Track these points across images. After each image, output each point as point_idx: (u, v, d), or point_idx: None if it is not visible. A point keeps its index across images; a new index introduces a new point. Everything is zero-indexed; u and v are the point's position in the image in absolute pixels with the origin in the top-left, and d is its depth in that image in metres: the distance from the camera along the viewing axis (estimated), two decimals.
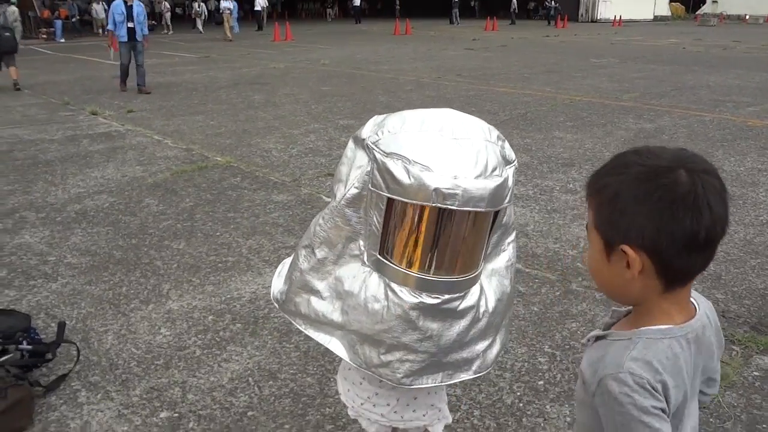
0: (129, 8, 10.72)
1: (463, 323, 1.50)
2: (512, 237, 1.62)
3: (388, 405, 1.75)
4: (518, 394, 2.74)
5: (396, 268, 1.46)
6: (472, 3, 46.97)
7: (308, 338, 3.08)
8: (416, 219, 1.42)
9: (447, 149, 1.36)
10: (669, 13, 45.62)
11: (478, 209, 1.34)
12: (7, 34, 11.25)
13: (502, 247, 1.60)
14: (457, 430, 2.50)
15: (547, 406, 2.64)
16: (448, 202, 1.32)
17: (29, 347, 2.82)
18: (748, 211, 4.93)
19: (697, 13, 44.38)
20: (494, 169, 1.36)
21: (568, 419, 2.56)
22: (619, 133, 7.57)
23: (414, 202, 1.36)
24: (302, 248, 1.63)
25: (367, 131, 1.47)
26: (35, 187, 5.68)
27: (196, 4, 30.96)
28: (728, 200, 1.03)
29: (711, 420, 2.56)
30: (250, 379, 2.83)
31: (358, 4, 37.64)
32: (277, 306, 1.74)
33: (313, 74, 13.46)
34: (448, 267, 1.46)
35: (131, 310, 3.45)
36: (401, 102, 9.56)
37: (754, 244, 4.30)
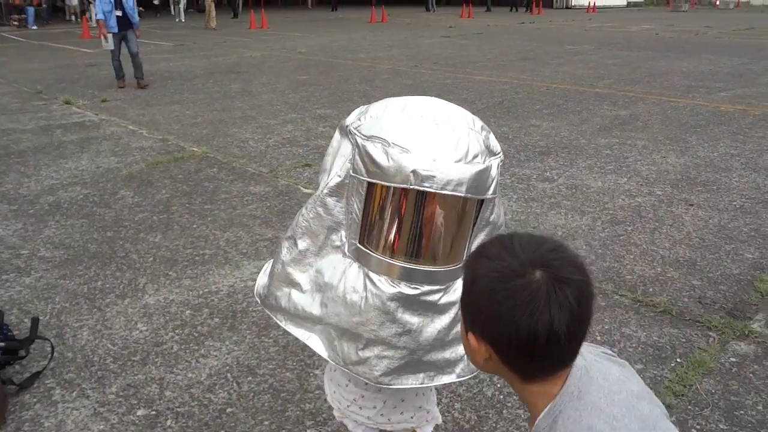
0: None
1: (445, 320, 1.47)
2: None
3: (375, 407, 1.73)
4: (498, 386, 2.74)
5: (374, 256, 1.43)
6: None
7: (287, 333, 3.06)
8: (395, 203, 1.40)
9: (427, 133, 1.35)
10: None
11: (457, 193, 1.32)
12: None
13: None
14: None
15: None
16: (426, 184, 1.31)
17: (1, 344, 2.76)
18: (722, 196, 4.99)
19: None
20: (475, 156, 1.34)
21: None
22: (595, 120, 7.61)
23: (392, 184, 1.35)
24: (285, 240, 1.61)
25: (350, 118, 1.47)
26: (7, 179, 5.56)
27: None
28: (584, 312, 0.97)
29: (689, 407, 2.59)
30: (228, 375, 2.80)
31: None
32: (259, 302, 1.72)
33: (290, 63, 13.34)
34: (428, 256, 1.42)
35: (107, 305, 3.40)
36: (378, 90, 9.51)
37: (728, 230, 4.35)
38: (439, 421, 1.91)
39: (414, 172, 1.31)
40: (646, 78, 10.85)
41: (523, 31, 21.91)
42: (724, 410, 2.58)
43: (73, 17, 27.13)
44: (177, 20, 27.48)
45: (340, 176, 1.46)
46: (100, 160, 6.11)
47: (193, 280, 3.66)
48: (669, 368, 2.85)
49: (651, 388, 2.66)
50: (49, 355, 2.87)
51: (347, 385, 1.72)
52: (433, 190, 1.31)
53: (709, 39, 18.53)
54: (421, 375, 1.51)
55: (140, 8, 10.73)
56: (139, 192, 5.19)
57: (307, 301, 1.56)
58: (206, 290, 3.55)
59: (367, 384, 1.64)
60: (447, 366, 1.52)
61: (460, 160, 1.32)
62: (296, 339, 2.94)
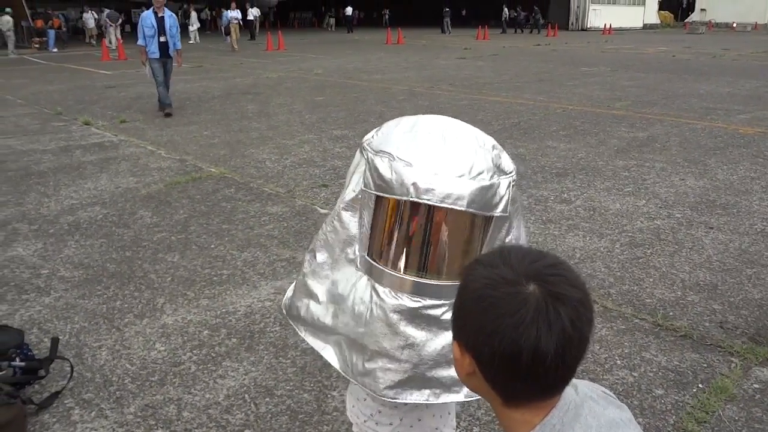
0: (160, 20, 9.25)
1: (449, 335, 1.45)
2: None
3: (391, 425, 1.72)
4: None
5: (380, 268, 1.45)
6: (463, 12, 47.14)
7: (305, 353, 3.06)
8: (397, 216, 1.43)
9: (432, 148, 1.38)
10: (658, 21, 45.93)
11: (456, 207, 1.33)
12: None
13: None
14: None
15: None
16: (425, 197, 1.33)
17: (22, 364, 2.78)
18: (743, 219, 4.94)
19: (686, 21, 44.70)
20: (480, 173, 1.36)
21: None
22: (613, 142, 7.59)
23: (394, 197, 1.38)
24: (307, 252, 1.67)
25: (367, 135, 1.51)
26: (28, 199, 5.63)
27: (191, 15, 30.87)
28: (578, 334, 0.89)
29: None
30: (246, 395, 2.80)
31: (350, 14, 37.73)
32: (285, 312, 1.74)
33: (306, 84, 13.46)
34: (433, 270, 1.43)
35: (125, 325, 3.42)
36: (394, 111, 9.55)
37: (749, 254, 4.30)
38: None
39: (414, 184, 1.34)
40: (663, 100, 10.82)
41: (538, 53, 21.98)
42: None
43: (92, 40, 27.60)
44: (191, 41, 27.88)
45: (354, 191, 1.50)
46: (119, 180, 6.18)
47: (211, 300, 3.68)
48: (690, 394, 2.80)
49: (672, 414, 2.62)
50: (69, 375, 2.88)
51: (365, 400, 1.72)
52: (431, 203, 1.34)
53: (727, 61, 18.47)
54: (427, 391, 1.50)
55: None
56: (158, 212, 5.23)
57: (322, 312, 1.59)
58: (224, 310, 3.56)
59: (384, 401, 1.64)
60: (454, 385, 1.49)
61: (462, 176, 1.34)
62: (313, 360, 2.96)
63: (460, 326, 0.97)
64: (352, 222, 1.53)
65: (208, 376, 2.94)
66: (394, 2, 50.28)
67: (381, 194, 1.41)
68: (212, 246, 4.49)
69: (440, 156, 1.37)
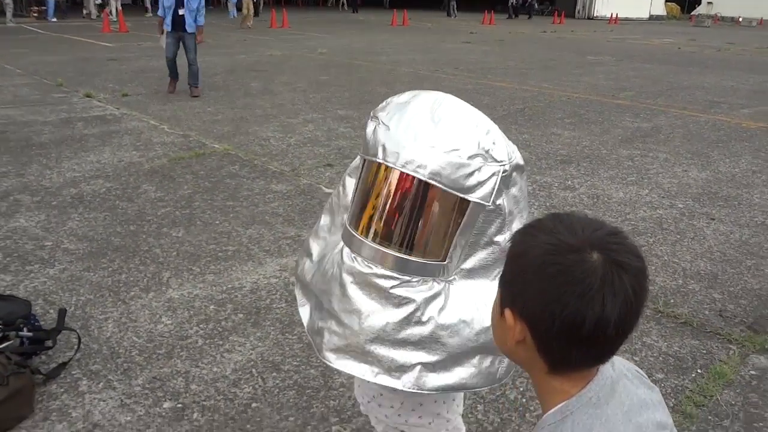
0: None
1: (397, 315, 1.41)
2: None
3: (392, 407, 1.73)
4: (521, 389, 2.75)
5: (349, 229, 1.46)
6: None
7: None
8: (368, 178, 1.43)
9: (416, 118, 1.38)
10: (664, 13, 45.68)
11: (417, 175, 1.32)
12: None
13: (495, 273, 1.47)
14: None
15: None
16: (389, 160, 1.35)
17: (29, 334, 2.80)
18: (744, 212, 4.97)
19: (692, 13, 44.43)
20: (456, 149, 1.33)
21: None
22: (617, 131, 7.59)
23: (368, 158, 1.40)
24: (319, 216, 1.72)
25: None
26: (29, 170, 5.62)
27: None
28: (638, 303, 0.90)
29: (710, 418, 2.60)
30: (253, 370, 2.83)
31: None
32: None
33: (311, 63, 13.39)
34: (388, 237, 1.41)
35: (131, 298, 3.43)
36: (401, 91, 9.52)
37: (750, 245, 4.33)
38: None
39: (383, 146, 1.36)
40: (668, 91, 10.81)
41: (544, 40, 21.88)
42: (744, 422, 2.58)
43: (93, 10, 27.32)
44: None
45: (358, 157, 1.53)
46: (122, 154, 6.17)
47: (217, 276, 3.69)
48: (690, 379, 2.85)
49: (671, 397, 2.66)
50: (76, 346, 2.90)
51: (368, 382, 1.72)
52: (394, 166, 1.34)
53: (732, 55, 18.42)
54: (365, 366, 1.45)
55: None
56: (162, 187, 5.24)
57: (310, 270, 1.62)
58: (230, 286, 3.58)
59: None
60: (394, 369, 1.44)
61: (434, 147, 1.32)
62: None
63: (515, 293, 0.96)
64: (351, 187, 1.56)
65: (215, 350, 2.97)
66: None
67: (362, 156, 1.44)
68: (217, 222, 4.50)
69: (419, 126, 1.36)
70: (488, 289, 1.45)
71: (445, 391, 1.48)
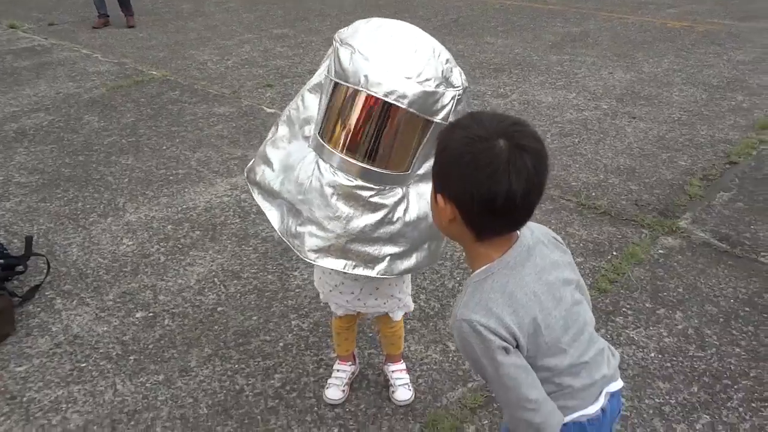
0: None
1: (373, 218, 1.68)
2: None
3: (353, 293, 2.04)
4: (458, 279, 3.09)
5: (325, 146, 1.67)
6: None
7: (265, 241, 3.36)
8: (347, 102, 1.61)
9: (389, 50, 1.57)
10: None
11: (398, 104, 1.53)
12: None
13: None
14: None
15: None
16: (372, 89, 1.54)
17: (1, 261, 2.96)
18: (663, 109, 5.34)
19: None
20: (428, 79, 1.55)
21: None
22: (547, 37, 7.82)
23: (348, 85, 1.58)
24: (273, 126, 1.87)
25: (341, 29, 1.69)
26: None
27: None
28: (539, 177, 1.12)
29: (622, 291, 2.99)
30: (215, 279, 3.09)
31: None
32: (245, 176, 1.94)
33: None
34: (367, 155, 1.63)
35: (91, 224, 3.60)
36: (334, 8, 9.48)
37: (666, 140, 4.72)
38: (411, 309, 2.24)
39: (366, 76, 1.54)
40: None
41: None
42: (651, 292, 2.99)
43: None
44: None
45: (320, 75, 1.72)
46: (58, 86, 6.11)
47: (170, 198, 3.88)
48: (606, 260, 3.24)
49: (589, 277, 3.03)
50: (46, 270, 3.09)
51: (330, 273, 2.01)
52: (377, 96, 1.54)
53: None
54: (344, 261, 1.70)
55: None
56: (104, 116, 5.27)
57: (273, 178, 1.80)
58: (184, 206, 3.77)
59: (345, 274, 1.91)
60: (370, 261, 1.71)
61: (410, 78, 1.53)
62: (273, 247, 3.25)
63: (442, 180, 1.20)
64: (313, 103, 1.75)
65: (178, 265, 3.20)
66: None
67: (338, 81, 1.60)
68: (164, 148, 4.63)
69: (395, 57, 1.56)
70: None
71: (408, 272, 1.80)
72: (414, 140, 1.64)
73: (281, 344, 2.67)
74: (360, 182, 1.64)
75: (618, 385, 1.39)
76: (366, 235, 1.68)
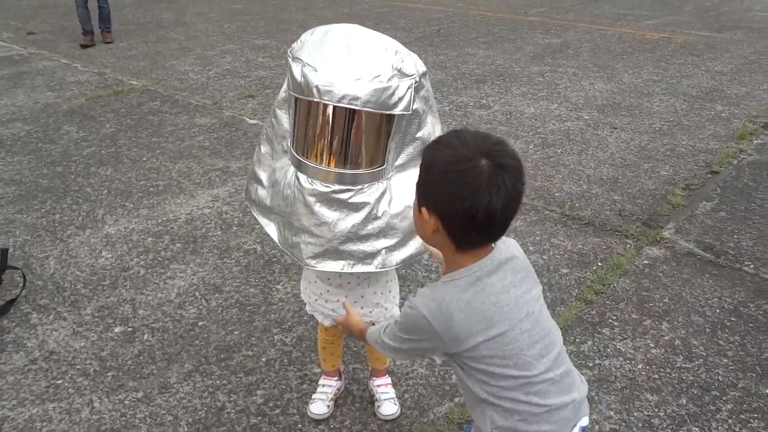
0: None
1: (358, 216, 1.71)
2: None
3: (338, 301, 2.00)
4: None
5: (300, 158, 1.70)
6: None
7: (247, 254, 3.31)
8: (307, 114, 1.65)
9: (335, 56, 1.59)
10: None
11: (353, 106, 1.55)
12: None
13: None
14: None
15: None
16: (326, 98, 1.55)
17: None
18: (643, 119, 5.38)
19: None
20: (377, 76, 1.56)
21: None
22: (529, 48, 7.87)
23: (303, 97, 1.60)
24: (257, 145, 1.93)
25: (293, 43, 1.72)
26: None
27: None
28: (517, 194, 1.21)
29: (608, 302, 2.98)
30: (196, 293, 3.03)
31: None
32: (244, 196, 2.01)
33: None
34: (337, 160, 1.66)
35: (68, 236, 3.53)
36: (315, 20, 9.46)
37: (648, 150, 4.74)
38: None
39: (317, 87, 1.55)
40: (577, 6, 11.11)
41: None
42: (636, 303, 2.98)
43: None
44: None
45: (285, 91, 1.74)
46: (36, 96, 6.02)
47: (151, 210, 3.81)
48: (591, 271, 3.23)
49: (575, 288, 3.02)
50: (21, 284, 3.01)
51: (315, 282, 2.00)
52: (331, 103, 1.55)
53: None
54: (342, 262, 1.76)
55: None
56: (83, 127, 5.20)
57: (264, 195, 1.87)
58: (164, 218, 3.71)
59: (330, 280, 1.95)
60: (366, 258, 1.76)
61: (360, 78, 1.54)
62: (256, 260, 3.20)
63: (427, 195, 1.27)
64: (284, 119, 1.79)
65: (158, 278, 3.14)
66: None
67: (296, 95, 1.62)
68: (144, 159, 4.56)
69: (341, 62, 1.57)
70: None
71: (407, 261, 1.83)
72: (381, 136, 1.67)
73: (264, 359, 2.61)
74: (337, 186, 1.67)
75: (587, 420, 1.41)
76: (356, 234, 1.71)
